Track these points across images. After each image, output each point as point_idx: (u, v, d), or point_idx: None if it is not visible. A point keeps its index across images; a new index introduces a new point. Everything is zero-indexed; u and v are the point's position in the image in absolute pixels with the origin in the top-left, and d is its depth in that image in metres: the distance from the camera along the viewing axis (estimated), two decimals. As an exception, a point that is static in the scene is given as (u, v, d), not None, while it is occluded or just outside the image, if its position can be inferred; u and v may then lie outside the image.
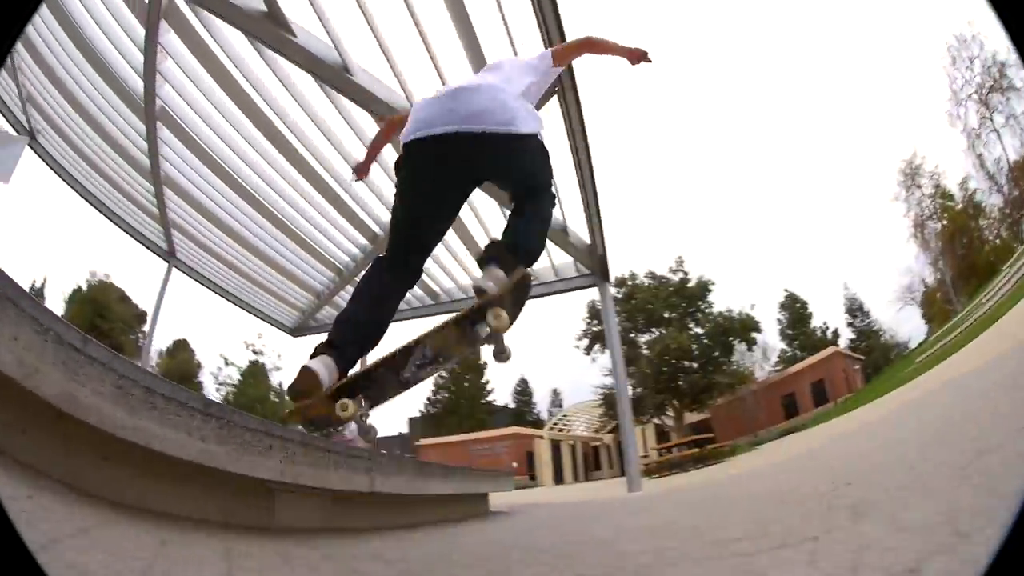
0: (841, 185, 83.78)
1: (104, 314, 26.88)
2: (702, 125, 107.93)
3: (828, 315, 60.83)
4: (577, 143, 6.25)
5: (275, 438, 2.39)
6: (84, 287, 30.57)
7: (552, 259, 8.54)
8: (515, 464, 34.15)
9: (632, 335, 31.99)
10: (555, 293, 8.94)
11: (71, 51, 7.30)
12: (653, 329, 31.94)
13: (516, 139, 2.18)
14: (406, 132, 2.24)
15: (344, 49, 5.35)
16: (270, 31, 5.20)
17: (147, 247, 11.48)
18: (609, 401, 30.09)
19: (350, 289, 10.46)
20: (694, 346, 29.84)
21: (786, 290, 49.41)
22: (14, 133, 9.12)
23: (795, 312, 47.48)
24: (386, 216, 7.91)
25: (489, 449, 37.23)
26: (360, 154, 6.98)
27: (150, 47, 6.14)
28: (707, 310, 32.11)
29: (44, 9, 6.64)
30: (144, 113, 7.43)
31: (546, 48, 2.95)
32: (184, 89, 7.13)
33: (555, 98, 5.63)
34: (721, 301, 33.25)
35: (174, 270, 11.66)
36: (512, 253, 2.10)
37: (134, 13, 6.13)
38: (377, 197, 7.91)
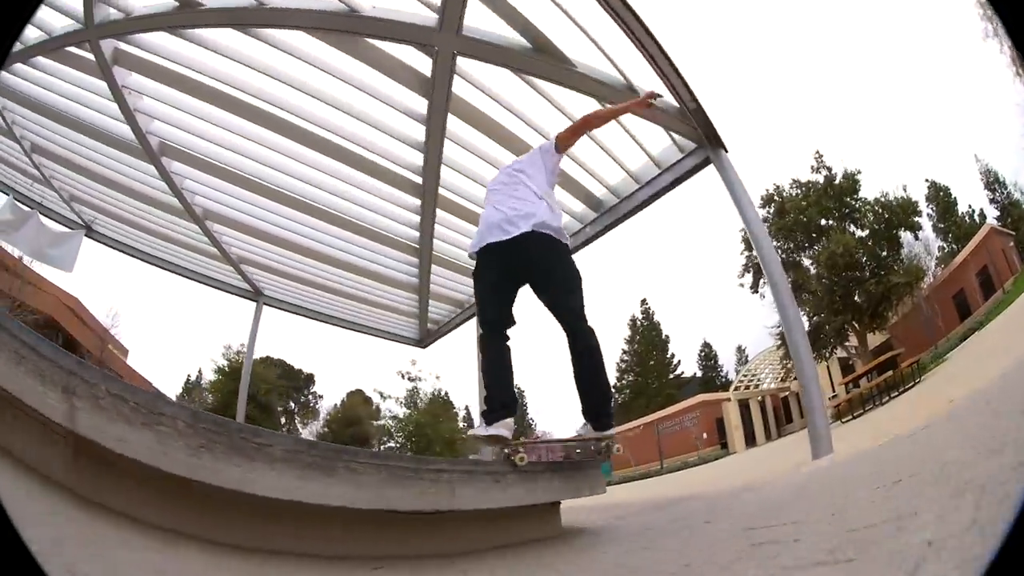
0: (931, 42, 76.38)
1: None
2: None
3: (968, 195, 54.71)
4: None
5: None
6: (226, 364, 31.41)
7: (645, 147, 6.32)
8: (705, 435, 32.65)
9: (796, 256, 28.15)
10: (666, 191, 6.61)
11: (79, 139, 7.72)
12: (815, 247, 27.77)
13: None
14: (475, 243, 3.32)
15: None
16: (185, 16, 5.15)
17: (231, 292, 10.96)
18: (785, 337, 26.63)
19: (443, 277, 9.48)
20: (860, 251, 25.72)
21: (927, 180, 44.54)
22: (69, 230, 9.93)
23: (941, 202, 42.85)
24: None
25: (677, 424, 35.64)
26: (346, 90, 5.64)
27: (118, 95, 6.31)
28: (862, 207, 27.51)
29: (43, 119, 7.48)
30: (147, 157, 7.37)
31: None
32: (168, 117, 6.88)
33: None
34: (869, 193, 28.34)
35: (270, 309, 11.15)
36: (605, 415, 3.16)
37: (93, 75, 6.19)
38: (414, 147, 6.39)
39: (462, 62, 5.15)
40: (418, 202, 7.28)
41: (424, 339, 12.11)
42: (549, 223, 3.17)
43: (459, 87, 5.43)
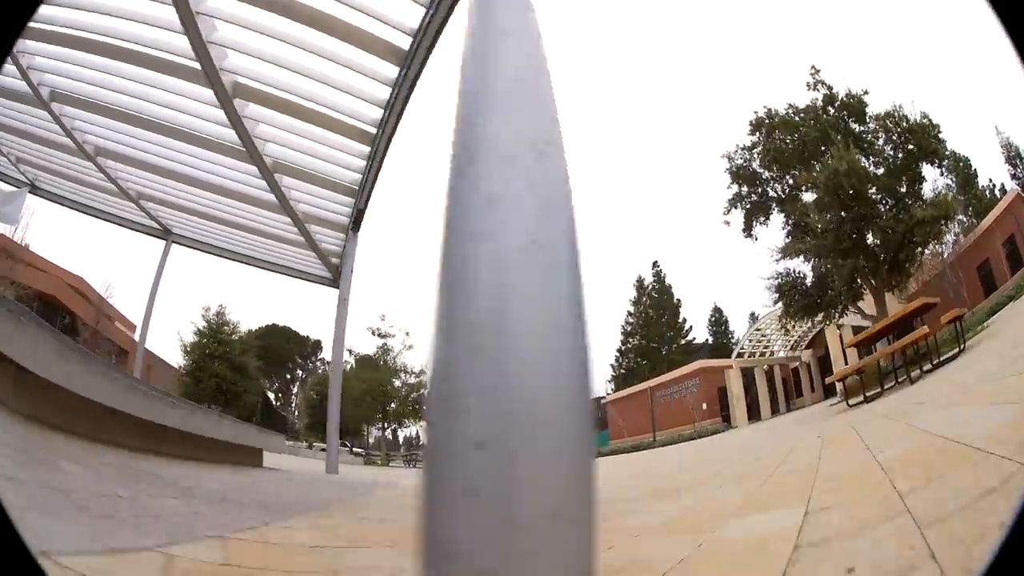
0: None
1: (220, 339, 28.35)
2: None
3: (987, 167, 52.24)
4: None
5: None
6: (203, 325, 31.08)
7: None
8: (704, 405, 30.63)
9: (794, 192, 22.25)
10: (455, 5, 5.35)
11: (10, 104, 8.38)
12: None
13: None
14: None
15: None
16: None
17: (141, 231, 11.61)
18: (786, 293, 22.29)
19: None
20: (872, 184, 20.31)
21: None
22: (16, 189, 10.91)
23: (960, 173, 40.83)
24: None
25: (676, 392, 33.70)
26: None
27: (15, 59, 7.04)
28: (872, 131, 21.69)
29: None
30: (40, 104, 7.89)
31: None
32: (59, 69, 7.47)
33: None
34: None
35: (196, 251, 11.87)
36: None
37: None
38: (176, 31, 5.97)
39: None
40: (211, 92, 6.82)
41: (336, 278, 11.45)
42: None
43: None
